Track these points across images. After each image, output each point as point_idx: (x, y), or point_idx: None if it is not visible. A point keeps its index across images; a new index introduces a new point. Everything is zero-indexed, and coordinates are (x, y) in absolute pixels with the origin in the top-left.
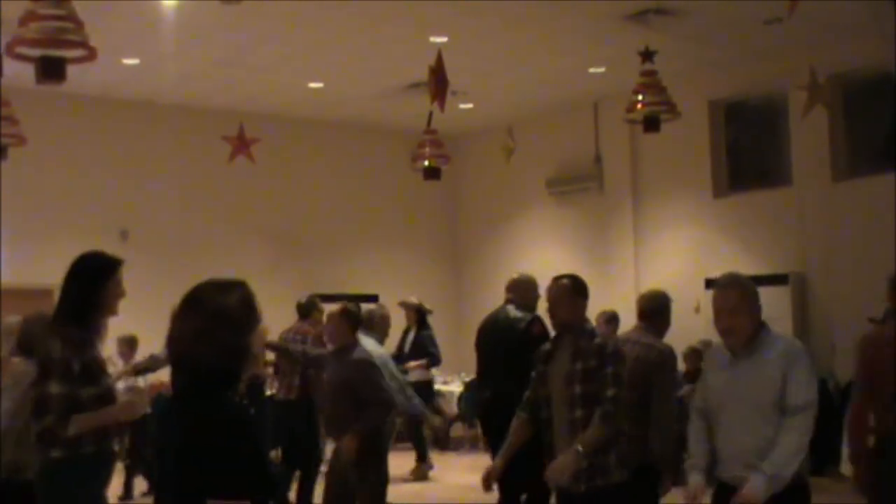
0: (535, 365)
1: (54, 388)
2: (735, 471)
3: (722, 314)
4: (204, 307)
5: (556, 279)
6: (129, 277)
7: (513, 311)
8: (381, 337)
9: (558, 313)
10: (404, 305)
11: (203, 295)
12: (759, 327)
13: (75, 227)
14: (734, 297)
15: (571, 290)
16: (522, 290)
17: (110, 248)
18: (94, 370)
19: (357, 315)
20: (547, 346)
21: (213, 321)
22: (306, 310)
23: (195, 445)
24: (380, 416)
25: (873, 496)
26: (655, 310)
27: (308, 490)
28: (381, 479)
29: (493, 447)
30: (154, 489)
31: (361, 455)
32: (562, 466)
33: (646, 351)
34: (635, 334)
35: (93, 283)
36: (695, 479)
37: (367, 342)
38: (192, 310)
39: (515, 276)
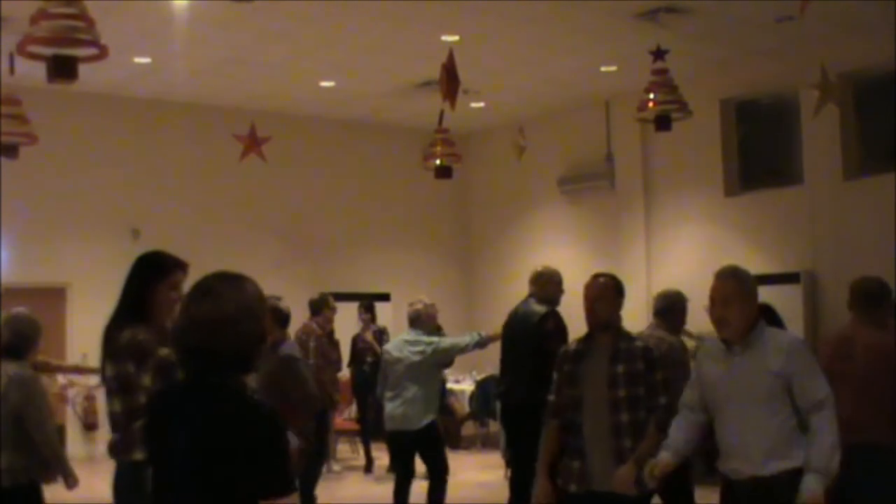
0: (560, 365)
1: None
2: (735, 464)
3: (716, 304)
4: (224, 297)
5: (596, 276)
6: None
7: (533, 305)
8: (428, 333)
9: (599, 312)
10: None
11: (219, 286)
12: (757, 321)
13: (86, 225)
14: (728, 287)
15: (613, 289)
16: (542, 284)
17: (121, 246)
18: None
19: (284, 312)
20: (575, 345)
21: (237, 310)
22: (317, 306)
23: (228, 444)
24: (309, 413)
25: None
26: (666, 307)
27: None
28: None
29: (507, 441)
30: (157, 489)
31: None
32: (627, 477)
33: (656, 343)
34: (648, 329)
35: (145, 282)
36: (663, 455)
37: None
38: (211, 299)
39: (539, 269)
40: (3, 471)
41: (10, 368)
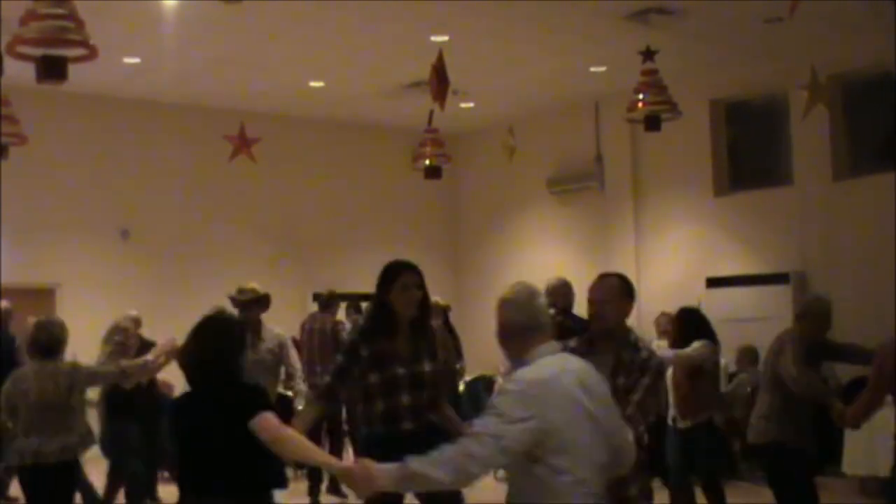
0: None
1: (338, 358)
2: None
3: None
4: (209, 336)
5: (603, 276)
6: (129, 276)
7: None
8: None
9: (606, 316)
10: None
11: (210, 324)
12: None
13: (76, 226)
14: None
15: (620, 291)
16: (562, 295)
17: (111, 247)
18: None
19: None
20: (575, 346)
21: (221, 343)
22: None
23: (231, 412)
24: None
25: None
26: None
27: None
28: None
29: None
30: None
31: None
32: None
33: None
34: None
35: (382, 288)
36: None
37: None
38: (202, 334)
39: (553, 281)
40: (55, 450)
41: (48, 367)
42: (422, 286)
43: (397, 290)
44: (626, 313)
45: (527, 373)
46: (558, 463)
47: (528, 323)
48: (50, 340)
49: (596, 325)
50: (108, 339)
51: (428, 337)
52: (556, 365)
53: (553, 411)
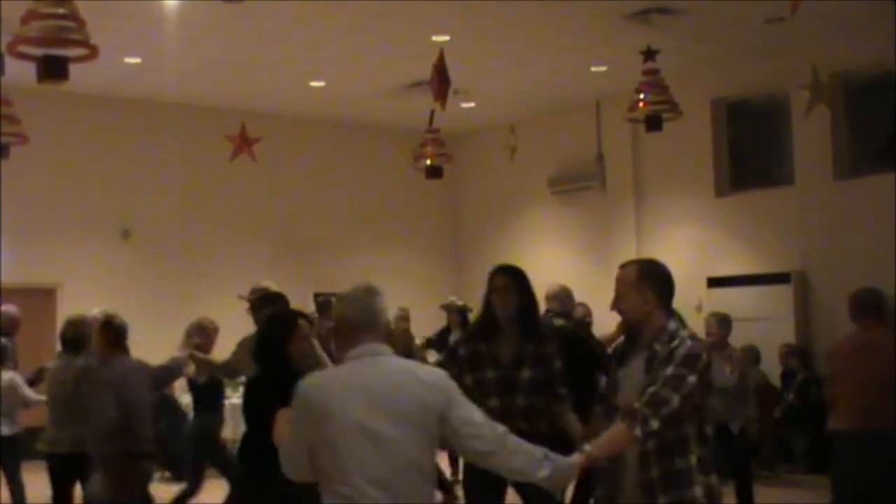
0: (611, 368)
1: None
2: None
3: None
4: (265, 322)
5: (621, 267)
6: (129, 276)
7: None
8: None
9: (623, 311)
10: (448, 308)
11: (268, 316)
12: None
13: (77, 226)
14: None
15: (636, 280)
16: (560, 301)
17: (111, 247)
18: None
19: (118, 326)
20: (622, 345)
21: (269, 331)
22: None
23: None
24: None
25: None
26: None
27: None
28: None
29: None
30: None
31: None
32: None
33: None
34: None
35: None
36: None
37: None
38: (261, 324)
39: (554, 288)
40: (68, 440)
41: (68, 361)
42: (513, 288)
43: (492, 293)
44: (649, 302)
45: (306, 380)
46: (327, 477)
47: (359, 320)
48: (76, 336)
49: (621, 318)
50: (186, 337)
51: (537, 341)
52: (347, 369)
53: (319, 422)
